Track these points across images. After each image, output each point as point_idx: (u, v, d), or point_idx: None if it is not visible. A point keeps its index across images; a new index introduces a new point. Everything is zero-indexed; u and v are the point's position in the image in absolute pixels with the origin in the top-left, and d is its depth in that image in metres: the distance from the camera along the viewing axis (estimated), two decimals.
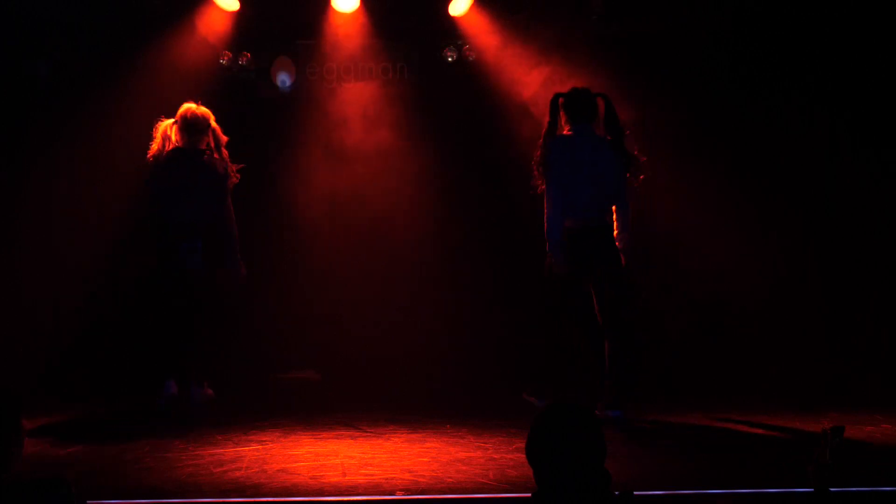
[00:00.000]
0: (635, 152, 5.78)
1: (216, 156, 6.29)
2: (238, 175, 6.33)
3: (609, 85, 6.93)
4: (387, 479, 4.43)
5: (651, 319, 7.13)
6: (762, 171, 7.21)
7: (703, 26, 7.17)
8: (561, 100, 5.78)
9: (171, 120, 6.25)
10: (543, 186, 5.71)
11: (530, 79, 7.02)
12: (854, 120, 7.18)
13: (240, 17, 7.15)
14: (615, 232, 5.84)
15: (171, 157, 6.22)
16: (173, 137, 6.26)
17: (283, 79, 7.31)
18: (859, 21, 7.04)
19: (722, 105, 7.20)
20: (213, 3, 7.03)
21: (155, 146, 6.22)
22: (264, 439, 5.31)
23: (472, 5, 7.13)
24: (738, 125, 7.21)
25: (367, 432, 5.51)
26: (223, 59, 7.29)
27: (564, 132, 5.75)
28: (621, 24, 7.18)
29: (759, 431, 5.58)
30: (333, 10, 7.14)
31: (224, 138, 6.35)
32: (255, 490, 4.25)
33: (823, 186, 7.27)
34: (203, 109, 6.27)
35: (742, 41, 7.23)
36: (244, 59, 7.35)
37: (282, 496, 4.16)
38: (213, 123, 6.33)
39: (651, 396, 6.52)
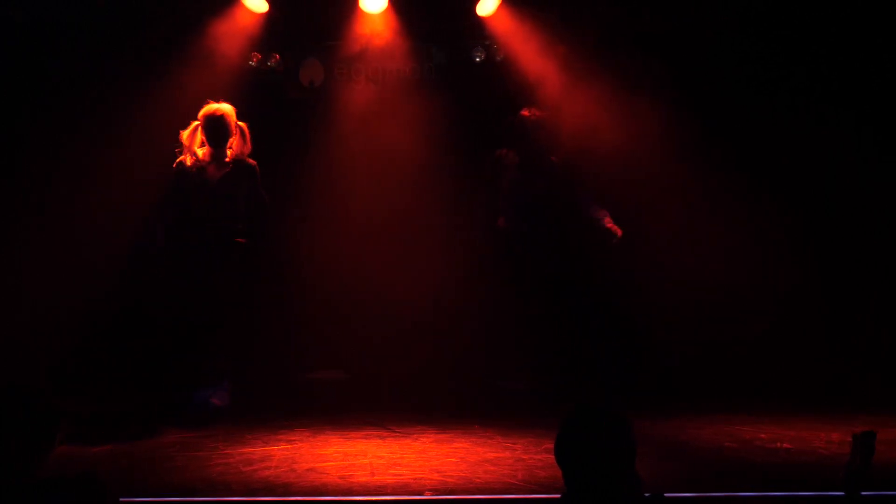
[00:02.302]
0: None
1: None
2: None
3: (637, 84, 6.99)
4: (415, 479, 4.43)
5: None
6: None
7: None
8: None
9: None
10: None
11: (559, 78, 7.02)
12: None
13: (268, 18, 7.18)
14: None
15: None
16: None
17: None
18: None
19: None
20: (242, 5, 7.06)
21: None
22: (293, 439, 5.33)
23: (500, 5, 7.12)
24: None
25: (395, 432, 5.52)
26: (252, 61, 7.32)
27: None
28: (651, 23, 7.15)
29: (791, 433, 5.54)
30: (361, 11, 7.15)
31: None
32: (285, 489, 4.27)
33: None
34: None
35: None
36: (273, 60, 7.37)
37: (311, 495, 4.18)
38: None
39: (667, 398, 6.51)
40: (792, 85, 7.17)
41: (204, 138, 6.27)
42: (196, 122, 6.29)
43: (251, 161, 6.32)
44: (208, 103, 6.29)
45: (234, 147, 6.30)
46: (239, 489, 4.27)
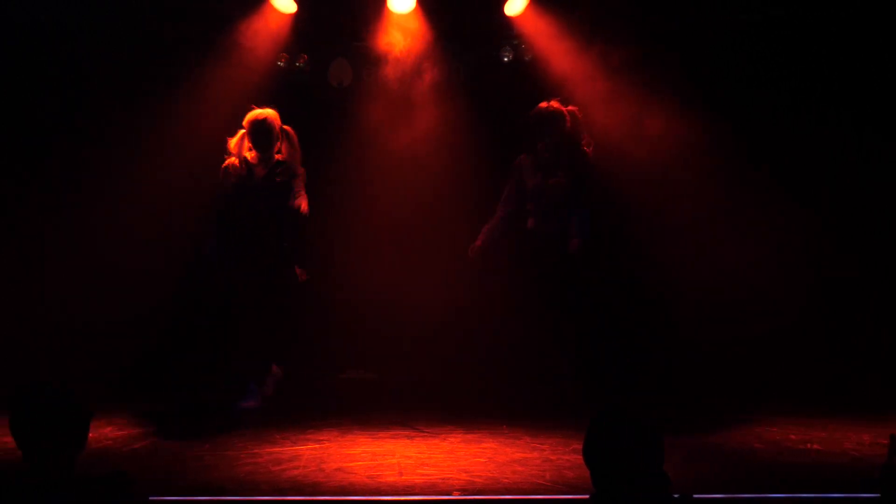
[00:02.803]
0: None
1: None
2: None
3: (665, 81, 6.96)
4: (443, 479, 4.43)
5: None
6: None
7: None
8: None
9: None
10: None
11: (587, 78, 7.00)
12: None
13: (297, 19, 7.20)
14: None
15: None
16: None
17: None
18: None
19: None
20: (271, 5, 7.09)
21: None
22: (321, 438, 5.34)
23: (529, 5, 7.10)
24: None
25: (423, 432, 5.52)
26: (280, 61, 7.35)
27: None
28: (679, 20, 7.13)
29: (821, 434, 5.50)
30: (389, 11, 7.16)
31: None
32: (313, 489, 4.28)
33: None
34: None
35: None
36: (301, 60, 7.40)
37: (339, 495, 4.19)
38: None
39: (690, 400, 6.50)
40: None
41: (250, 144, 6.33)
42: (242, 130, 6.35)
43: (300, 167, 6.37)
44: (252, 109, 6.33)
45: (283, 152, 6.36)
46: (267, 488, 4.29)
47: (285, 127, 6.39)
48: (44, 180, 7.27)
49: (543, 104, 6.53)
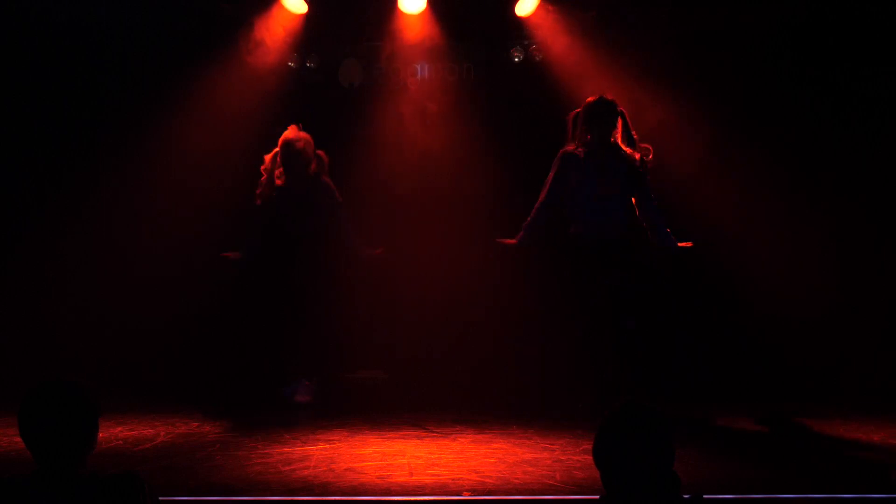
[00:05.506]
0: None
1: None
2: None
3: (677, 83, 6.94)
4: (453, 479, 4.43)
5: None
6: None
7: (771, 21, 7.09)
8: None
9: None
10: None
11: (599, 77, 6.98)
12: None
13: (307, 19, 7.22)
14: None
15: None
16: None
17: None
18: None
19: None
20: (281, 6, 7.10)
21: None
22: (332, 438, 5.35)
23: (539, 5, 7.09)
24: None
25: (433, 432, 5.52)
26: (291, 62, 7.37)
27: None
28: (689, 22, 7.10)
29: (834, 434, 5.48)
30: (400, 11, 7.17)
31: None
32: (323, 489, 4.29)
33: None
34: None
35: (814, 36, 7.12)
36: (312, 61, 7.42)
37: (349, 495, 4.19)
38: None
39: (699, 399, 6.50)
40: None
41: (280, 164, 6.52)
42: (276, 149, 6.52)
43: (326, 179, 6.59)
44: (288, 129, 6.49)
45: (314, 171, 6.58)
46: (278, 488, 4.29)
47: (318, 151, 6.56)
48: (59, 182, 7.32)
49: (593, 97, 6.08)
